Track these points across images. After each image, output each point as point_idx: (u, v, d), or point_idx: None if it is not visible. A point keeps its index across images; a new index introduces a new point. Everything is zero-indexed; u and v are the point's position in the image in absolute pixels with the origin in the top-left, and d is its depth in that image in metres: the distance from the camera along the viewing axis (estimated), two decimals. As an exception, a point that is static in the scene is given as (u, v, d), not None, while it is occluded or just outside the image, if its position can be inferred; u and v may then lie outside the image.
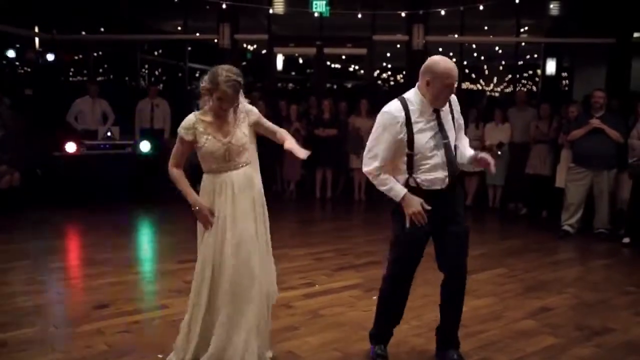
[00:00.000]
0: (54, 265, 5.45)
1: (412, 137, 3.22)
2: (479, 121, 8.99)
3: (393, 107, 3.27)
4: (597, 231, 7.08)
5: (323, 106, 9.58)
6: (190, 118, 3.26)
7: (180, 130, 3.27)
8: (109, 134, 8.86)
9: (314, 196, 9.59)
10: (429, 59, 3.26)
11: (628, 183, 6.87)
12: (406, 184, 3.29)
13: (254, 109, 3.39)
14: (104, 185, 8.38)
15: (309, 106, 10.11)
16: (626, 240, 6.73)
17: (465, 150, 3.45)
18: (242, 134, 3.28)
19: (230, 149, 3.24)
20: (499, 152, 8.70)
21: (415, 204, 3.23)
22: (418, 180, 3.27)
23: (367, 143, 3.35)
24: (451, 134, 3.32)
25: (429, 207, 3.23)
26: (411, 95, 3.29)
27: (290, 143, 3.37)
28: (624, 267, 5.97)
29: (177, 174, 3.33)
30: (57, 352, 3.52)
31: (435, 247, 3.44)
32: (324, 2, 10.34)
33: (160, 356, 3.46)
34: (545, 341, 3.86)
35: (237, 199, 3.26)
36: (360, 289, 4.85)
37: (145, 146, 8.85)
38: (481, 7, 10.08)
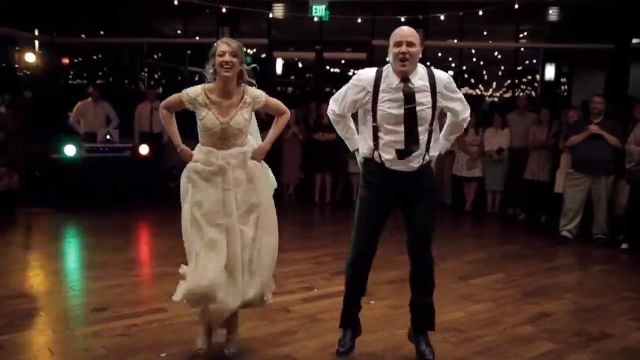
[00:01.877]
0: (52, 268, 5.44)
1: (376, 106, 3.23)
2: (479, 126, 9.00)
3: (366, 71, 3.32)
4: (595, 237, 7.08)
5: (322, 110, 9.58)
6: (197, 89, 3.34)
7: (184, 94, 3.35)
8: (108, 137, 8.86)
9: (312, 200, 9.59)
10: None
11: (626, 189, 6.87)
12: (372, 160, 3.32)
13: (262, 95, 3.43)
14: (102, 188, 8.38)
15: (308, 110, 10.12)
16: (624, 246, 6.74)
17: (449, 121, 3.44)
18: (242, 117, 3.33)
19: (227, 129, 3.29)
20: (501, 159, 8.74)
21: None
22: (382, 157, 3.27)
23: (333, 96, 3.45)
24: (420, 107, 3.18)
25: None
26: (386, 66, 3.31)
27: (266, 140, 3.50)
28: (622, 273, 5.97)
29: (166, 114, 3.44)
30: (55, 355, 3.51)
31: (406, 233, 3.44)
32: (324, 7, 10.35)
33: (163, 355, 3.48)
34: (543, 347, 3.86)
35: (232, 171, 3.32)
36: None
37: (144, 149, 8.86)
38: (480, 12, 10.10)
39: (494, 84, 15.05)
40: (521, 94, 11.44)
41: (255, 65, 3.58)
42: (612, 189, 7.06)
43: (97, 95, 9.44)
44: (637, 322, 4.40)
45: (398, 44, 3.17)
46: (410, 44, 3.16)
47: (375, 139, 3.27)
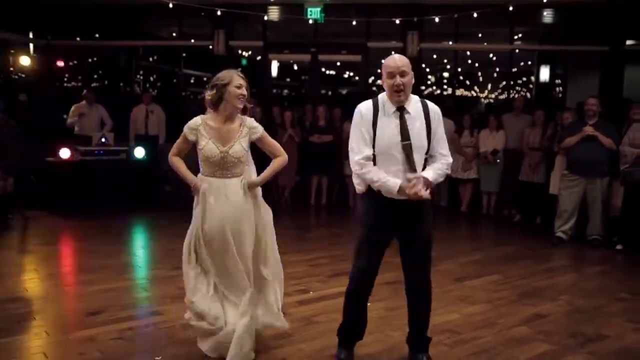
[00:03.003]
0: (48, 272, 5.43)
1: (374, 135, 3.25)
2: (473, 128, 9.02)
3: (363, 104, 3.34)
4: (590, 238, 7.10)
5: (318, 113, 9.60)
6: (197, 120, 3.49)
7: (185, 129, 3.49)
8: (103, 139, 8.84)
9: (308, 203, 9.59)
10: None
11: (621, 190, 6.89)
12: (369, 189, 3.31)
13: (259, 127, 3.54)
14: (98, 191, 8.36)
15: (304, 113, 10.13)
16: (619, 247, 6.76)
17: (435, 163, 3.33)
18: (240, 147, 3.45)
19: (226, 158, 3.40)
20: (497, 160, 8.76)
21: (412, 187, 3.16)
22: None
23: (349, 147, 3.38)
24: (417, 139, 3.23)
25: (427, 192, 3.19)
26: (383, 94, 3.34)
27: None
28: (618, 274, 5.99)
29: (175, 160, 3.58)
30: (50, 359, 3.50)
31: (400, 254, 3.44)
32: (319, 9, 10.36)
33: (158, 358, 3.48)
34: (538, 348, 3.87)
35: (230, 202, 3.43)
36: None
37: (139, 152, 8.85)
38: (475, 15, 10.12)
39: (489, 86, 15.06)
40: (517, 95, 11.43)
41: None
42: (607, 190, 7.08)
43: (92, 98, 9.44)
44: (633, 323, 4.41)
45: (391, 76, 3.22)
46: (403, 74, 3.21)
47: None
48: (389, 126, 3.24)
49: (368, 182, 3.29)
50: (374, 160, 3.26)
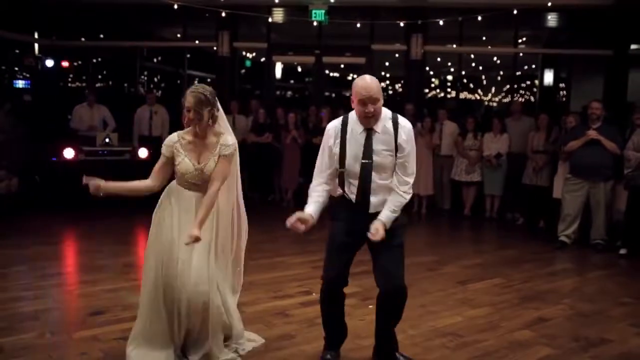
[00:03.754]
0: (51, 272, 5.43)
1: (344, 153, 3.32)
2: (477, 131, 9.02)
3: (334, 121, 3.44)
4: (593, 242, 7.08)
5: (321, 115, 9.59)
6: (173, 137, 3.50)
7: (163, 146, 3.52)
8: (107, 140, 8.86)
9: (311, 204, 9.56)
10: None
11: (624, 194, 6.88)
12: (341, 199, 3.41)
13: (230, 147, 3.45)
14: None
15: (307, 115, 10.14)
16: (623, 251, 6.74)
17: (386, 206, 3.32)
18: (214, 164, 3.42)
19: (201, 175, 3.40)
20: (500, 164, 8.75)
21: (291, 219, 3.33)
22: (346, 195, 3.37)
23: None
24: (379, 159, 3.27)
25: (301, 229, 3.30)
26: (352, 113, 3.38)
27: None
28: (621, 278, 5.97)
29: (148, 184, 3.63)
30: (53, 359, 3.51)
31: (372, 265, 3.46)
32: (323, 11, 10.38)
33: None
34: (541, 352, 3.86)
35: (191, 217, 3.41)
36: (357, 297, 4.84)
37: (143, 153, 8.85)
38: (479, 18, 10.12)
39: (493, 89, 15.05)
40: (515, 99, 11.41)
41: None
42: (611, 194, 7.07)
43: (93, 99, 9.44)
44: (636, 327, 4.40)
45: (363, 103, 3.21)
46: (375, 102, 3.21)
47: (342, 183, 3.37)
48: (355, 145, 3.30)
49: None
50: (341, 176, 3.34)
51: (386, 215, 3.27)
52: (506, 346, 3.93)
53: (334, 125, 3.40)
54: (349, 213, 3.38)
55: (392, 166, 3.31)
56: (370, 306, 4.45)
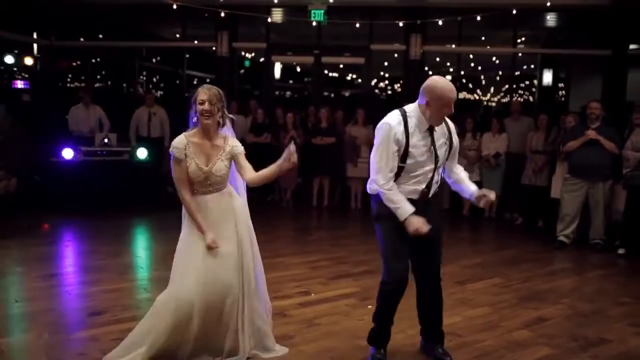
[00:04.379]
0: (50, 272, 5.43)
1: (407, 150, 3.34)
2: (476, 131, 9.01)
3: (392, 118, 3.37)
4: (592, 242, 7.08)
5: (320, 115, 9.59)
6: (181, 139, 3.48)
7: (173, 149, 3.46)
8: (106, 140, 8.85)
9: (310, 205, 9.59)
10: (429, 78, 3.39)
11: (623, 194, 6.88)
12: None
13: (240, 147, 3.55)
14: (100, 191, 8.37)
15: (306, 115, 10.14)
16: (621, 251, 6.75)
17: (465, 181, 3.65)
18: (223, 165, 3.48)
19: (210, 177, 3.44)
20: (498, 163, 8.75)
21: (416, 223, 3.27)
22: (400, 189, 3.40)
23: (371, 157, 3.43)
24: (441, 153, 3.44)
25: (428, 229, 3.27)
26: (411, 109, 3.41)
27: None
28: (619, 278, 5.98)
29: (187, 201, 3.49)
30: (52, 359, 3.51)
31: (411, 251, 3.49)
32: (322, 11, 10.37)
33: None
34: (540, 351, 3.87)
35: (217, 222, 3.47)
36: (356, 297, 4.85)
37: (142, 153, 8.84)
38: (478, 18, 10.12)
39: (492, 89, 15.07)
40: (514, 99, 11.42)
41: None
42: (609, 194, 7.07)
43: (87, 99, 9.41)
44: (634, 327, 4.41)
45: (449, 107, 3.33)
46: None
47: (397, 177, 3.41)
48: (420, 143, 3.37)
49: (385, 201, 3.37)
50: (400, 171, 3.38)
51: (475, 187, 3.62)
52: (505, 346, 3.94)
53: (397, 124, 3.35)
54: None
55: (445, 160, 3.51)
56: (369, 306, 4.45)
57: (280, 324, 4.17)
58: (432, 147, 3.39)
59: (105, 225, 7.55)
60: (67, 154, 8.37)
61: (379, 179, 3.36)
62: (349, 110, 10.07)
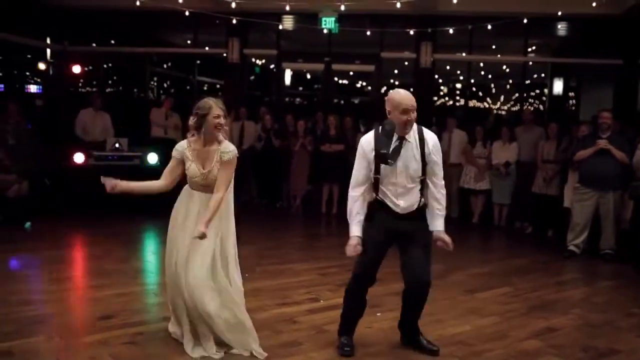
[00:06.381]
0: (60, 276, 5.46)
1: (377, 162, 3.64)
2: (486, 140, 9.00)
3: (365, 137, 3.72)
4: (602, 252, 7.04)
5: (329, 122, 9.60)
6: (183, 143, 3.84)
7: (173, 151, 3.85)
8: (116, 145, 8.90)
9: (319, 211, 9.59)
10: (391, 90, 3.70)
11: (631, 204, 6.85)
12: (375, 202, 3.69)
13: (230, 153, 3.73)
14: (111, 196, 8.38)
15: (316, 122, 10.16)
16: None
17: (433, 211, 3.71)
18: (216, 170, 3.72)
19: (207, 179, 3.73)
20: (509, 172, 8.73)
21: (350, 248, 3.69)
22: (380, 200, 3.67)
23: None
24: (412, 165, 3.60)
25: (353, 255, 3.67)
26: (388, 123, 3.63)
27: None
28: (630, 288, 5.93)
29: (161, 184, 3.97)
30: (62, 363, 3.54)
31: (400, 262, 3.73)
32: (333, 19, 10.41)
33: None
34: (550, 362, 3.85)
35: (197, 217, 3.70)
36: (365, 305, 4.84)
37: (152, 158, 8.87)
38: (489, 27, 10.13)
39: (502, 98, 15.06)
40: (525, 108, 11.40)
41: None
42: (620, 204, 7.03)
43: (98, 104, 9.45)
44: (645, 338, 4.38)
45: (406, 112, 3.54)
46: (414, 110, 3.58)
47: (376, 188, 3.68)
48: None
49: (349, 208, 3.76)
50: (376, 182, 3.65)
51: (440, 223, 3.68)
52: (514, 355, 3.92)
53: (367, 143, 3.65)
54: (380, 215, 3.68)
55: (419, 173, 3.62)
56: (378, 314, 4.45)
57: (289, 331, 4.19)
58: (404, 160, 3.58)
59: (116, 229, 7.58)
60: (78, 158, 8.42)
61: (350, 184, 3.76)
62: (359, 118, 10.09)
